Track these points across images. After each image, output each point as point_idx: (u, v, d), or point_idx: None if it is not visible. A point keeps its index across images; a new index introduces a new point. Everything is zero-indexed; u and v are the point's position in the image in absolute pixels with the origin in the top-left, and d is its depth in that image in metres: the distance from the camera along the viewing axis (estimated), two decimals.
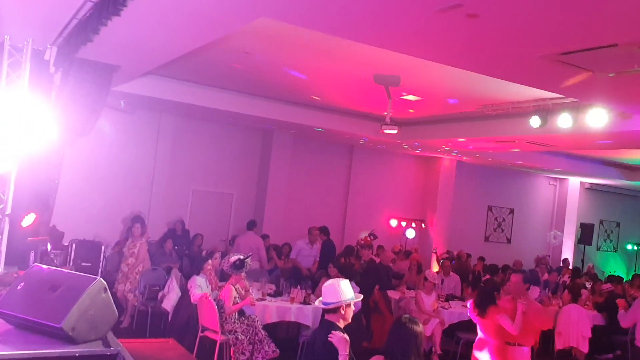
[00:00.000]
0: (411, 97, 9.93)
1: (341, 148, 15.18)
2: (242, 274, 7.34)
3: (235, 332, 7.06)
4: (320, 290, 4.69)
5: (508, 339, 5.99)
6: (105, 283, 4.47)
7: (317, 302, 4.49)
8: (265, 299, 7.97)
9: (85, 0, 5.75)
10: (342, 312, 4.28)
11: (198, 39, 6.48)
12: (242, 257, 7.41)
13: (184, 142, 12.86)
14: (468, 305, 6.53)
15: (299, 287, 8.31)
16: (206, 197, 13.29)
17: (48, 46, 7.63)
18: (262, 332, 7.20)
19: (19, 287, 4.50)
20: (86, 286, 4.34)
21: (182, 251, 10.81)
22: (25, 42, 7.34)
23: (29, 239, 6.78)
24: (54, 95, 8.05)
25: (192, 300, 7.48)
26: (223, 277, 8.39)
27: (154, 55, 7.49)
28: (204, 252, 9.04)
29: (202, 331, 7.31)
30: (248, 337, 7.07)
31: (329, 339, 4.09)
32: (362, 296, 4.70)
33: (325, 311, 4.43)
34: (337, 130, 12.55)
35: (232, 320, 7.17)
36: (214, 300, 7.22)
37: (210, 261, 7.91)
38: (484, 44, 5.43)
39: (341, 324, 4.30)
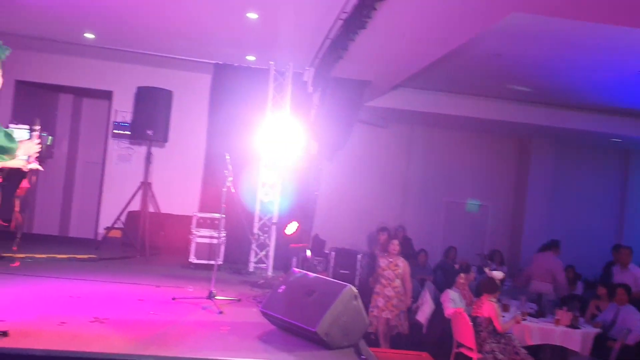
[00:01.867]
0: None
1: (615, 155, 13.35)
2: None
3: (494, 351, 6.58)
4: None
5: None
6: (357, 291, 4.56)
7: None
8: (525, 319, 7.30)
9: (336, 19, 6.03)
10: None
11: (445, 45, 6.27)
12: (495, 274, 6.90)
13: (435, 153, 12.73)
14: None
15: (564, 308, 7.42)
16: (459, 209, 12.93)
17: (306, 68, 8.29)
18: (522, 350, 6.58)
19: (280, 290, 4.84)
20: (338, 293, 4.44)
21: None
22: (287, 67, 8.10)
23: (291, 245, 7.33)
24: (312, 113, 8.69)
25: (445, 315, 7.24)
26: (478, 292, 7.92)
27: (401, 67, 7.53)
28: (457, 266, 8.72)
29: (457, 347, 7.00)
30: (507, 356, 6.53)
31: None
32: None
33: None
34: (610, 134, 11.05)
35: (490, 340, 6.70)
36: (469, 315, 6.85)
37: (463, 275, 7.55)
38: None
39: None
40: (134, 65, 9.49)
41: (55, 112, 10.58)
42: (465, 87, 9.86)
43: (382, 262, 7.58)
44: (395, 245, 7.59)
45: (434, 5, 4.89)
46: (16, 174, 3.42)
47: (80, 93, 10.47)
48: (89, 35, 8.10)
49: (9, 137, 2.88)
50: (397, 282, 7.45)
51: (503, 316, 6.80)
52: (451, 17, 5.15)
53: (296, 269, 5.09)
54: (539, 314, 7.61)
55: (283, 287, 4.79)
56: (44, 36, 8.26)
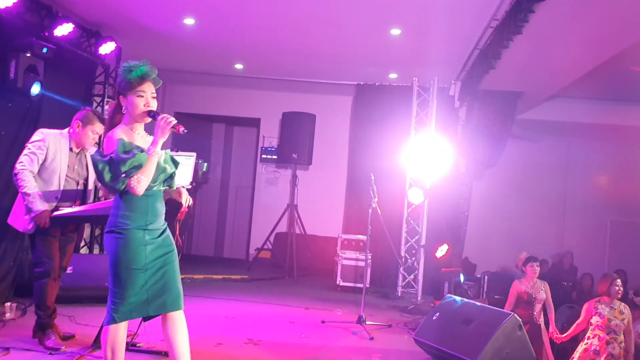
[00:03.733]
0: None
1: None
2: None
3: None
4: None
5: None
6: (520, 320, 4.14)
7: None
8: None
9: (486, 27, 5.68)
10: None
11: (614, 46, 5.59)
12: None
13: (597, 167, 11.59)
14: None
15: None
16: (628, 229, 11.61)
17: (452, 82, 7.94)
18: None
19: (434, 318, 4.54)
20: (500, 322, 4.06)
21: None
22: (431, 82, 7.81)
23: (443, 269, 6.97)
24: (459, 129, 8.28)
25: None
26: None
27: (560, 75, 6.92)
28: (631, 292, 7.72)
29: None
30: None
31: None
32: None
33: None
34: None
35: None
36: None
37: None
38: None
39: None
40: (279, 92, 9.81)
41: (209, 141, 11.25)
42: (634, 93, 8.84)
43: (603, 310, 6.00)
44: (619, 286, 5.78)
45: (605, 4, 4.36)
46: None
47: (231, 122, 11.04)
48: (239, 66, 8.49)
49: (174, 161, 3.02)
50: (623, 336, 5.73)
51: None
52: (624, 13, 4.56)
53: (451, 295, 4.77)
54: None
55: (437, 313, 4.51)
56: (198, 70, 8.82)
